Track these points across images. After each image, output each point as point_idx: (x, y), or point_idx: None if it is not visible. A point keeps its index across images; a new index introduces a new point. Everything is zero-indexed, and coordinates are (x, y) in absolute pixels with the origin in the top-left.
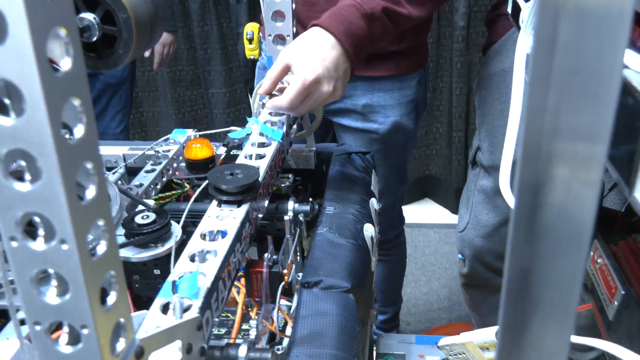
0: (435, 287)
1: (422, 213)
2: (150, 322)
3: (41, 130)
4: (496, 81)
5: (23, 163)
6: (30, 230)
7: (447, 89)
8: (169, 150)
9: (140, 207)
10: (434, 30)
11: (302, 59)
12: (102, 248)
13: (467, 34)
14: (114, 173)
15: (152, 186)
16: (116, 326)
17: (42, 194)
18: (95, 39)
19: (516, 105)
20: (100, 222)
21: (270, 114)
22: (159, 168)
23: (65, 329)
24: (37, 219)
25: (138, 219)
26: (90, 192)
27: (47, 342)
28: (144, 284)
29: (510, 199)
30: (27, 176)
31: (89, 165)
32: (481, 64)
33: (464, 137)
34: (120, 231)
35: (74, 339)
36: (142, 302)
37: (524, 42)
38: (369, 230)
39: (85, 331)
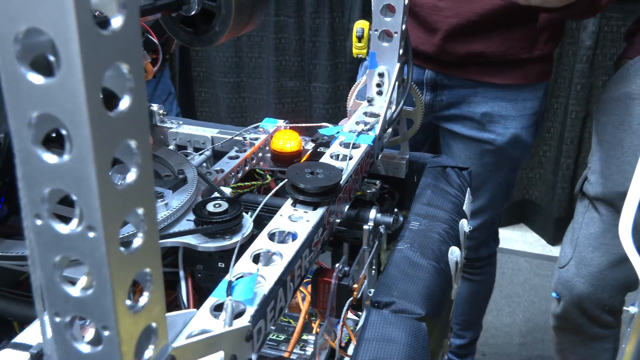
0: (519, 321)
1: (515, 239)
2: (196, 323)
3: (75, 95)
4: (619, 107)
5: (64, 132)
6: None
7: (562, 110)
8: (256, 139)
9: (216, 194)
10: None
11: None
12: (138, 241)
13: (592, 55)
14: (200, 155)
15: (232, 173)
16: (145, 331)
17: (72, 171)
18: (193, 12)
19: None
20: (140, 211)
21: (365, 113)
22: (242, 155)
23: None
24: (74, 196)
25: (210, 207)
26: (131, 176)
27: (66, 337)
28: (206, 275)
29: (630, 248)
30: (67, 149)
31: (133, 144)
32: (606, 85)
33: (574, 164)
34: (191, 216)
35: (98, 338)
36: (203, 293)
37: None
38: (455, 254)
39: (106, 333)
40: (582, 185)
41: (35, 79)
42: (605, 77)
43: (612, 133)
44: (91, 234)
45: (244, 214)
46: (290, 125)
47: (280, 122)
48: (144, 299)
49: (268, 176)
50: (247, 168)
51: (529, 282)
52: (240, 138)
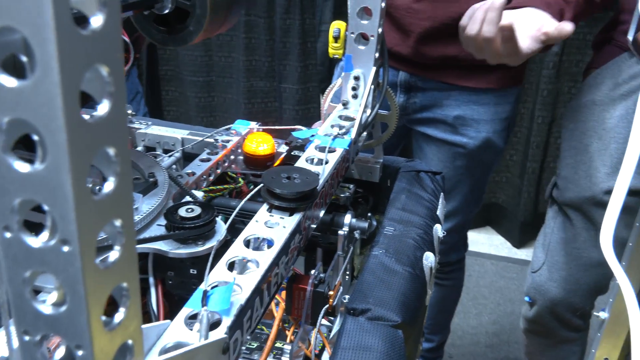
0: (485, 322)
1: (481, 241)
2: (171, 335)
3: (51, 99)
4: (585, 113)
5: (36, 137)
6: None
7: (529, 115)
8: (228, 141)
9: (188, 198)
10: None
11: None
12: (115, 254)
13: (559, 61)
14: (170, 156)
15: (204, 176)
16: (121, 349)
17: (45, 180)
18: (167, 11)
19: (634, 149)
20: (117, 223)
21: (340, 117)
22: (214, 158)
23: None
24: (47, 207)
25: (182, 211)
26: (109, 185)
27: (36, 356)
28: (178, 282)
29: (611, 259)
30: (39, 155)
31: (111, 152)
32: (574, 94)
33: (539, 168)
34: (162, 221)
35: (70, 357)
36: (174, 300)
37: None
38: (430, 259)
39: (80, 352)
40: (552, 191)
41: (7, 81)
42: (571, 83)
43: (579, 139)
44: (65, 248)
45: (217, 219)
46: (263, 127)
47: (253, 125)
48: (119, 315)
49: (240, 179)
50: (218, 171)
51: (495, 285)
52: (212, 140)
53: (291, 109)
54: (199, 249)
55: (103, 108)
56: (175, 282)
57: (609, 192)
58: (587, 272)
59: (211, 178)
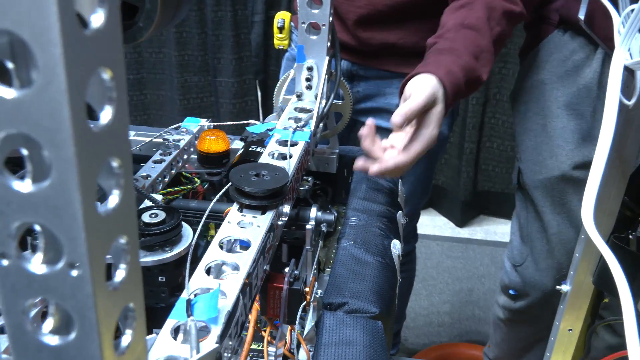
0: (436, 303)
1: (425, 223)
2: (160, 350)
3: (56, 110)
4: (535, 94)
5: (25, 152)
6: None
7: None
8: (179, 140)
9: (148, 203)
10: None
11: None
12: (121, 274)
13: None
14: None
15: (160, 179)
16: None
17: (49, 199)
18: None
19: (608, 125)
20: (123, 240)
21: (295, 109)
22: (168, 159)
23: None
24: (37, 228)
25: (145, 217)
26: (114, 200)
27: None
28: (146, 291)
29: (595, 235)
30: (29, 171)
31: (115, 163)
32: (518, 75)
33: (476, 149)
34: None
35: None
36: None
37: (620, 56)
38: (397, 247)
39: None
40: (518, 177)
41: (5, 92)
42: (501, 64)
43: (535, 120)
44: (74, 272)
45: (182, 222)
46: (215, 124)
47: (203, 121)
48: (127, 338)
49: (196, 179)
50: (173, 172)
51: (442, 265)
52: (161, 140)
53: (228, 102)
54: (167, 255)
55: (106, 116)
56: (144, 292)
57: (577, 167)
58: (569, 254)
59: (166, 180)
